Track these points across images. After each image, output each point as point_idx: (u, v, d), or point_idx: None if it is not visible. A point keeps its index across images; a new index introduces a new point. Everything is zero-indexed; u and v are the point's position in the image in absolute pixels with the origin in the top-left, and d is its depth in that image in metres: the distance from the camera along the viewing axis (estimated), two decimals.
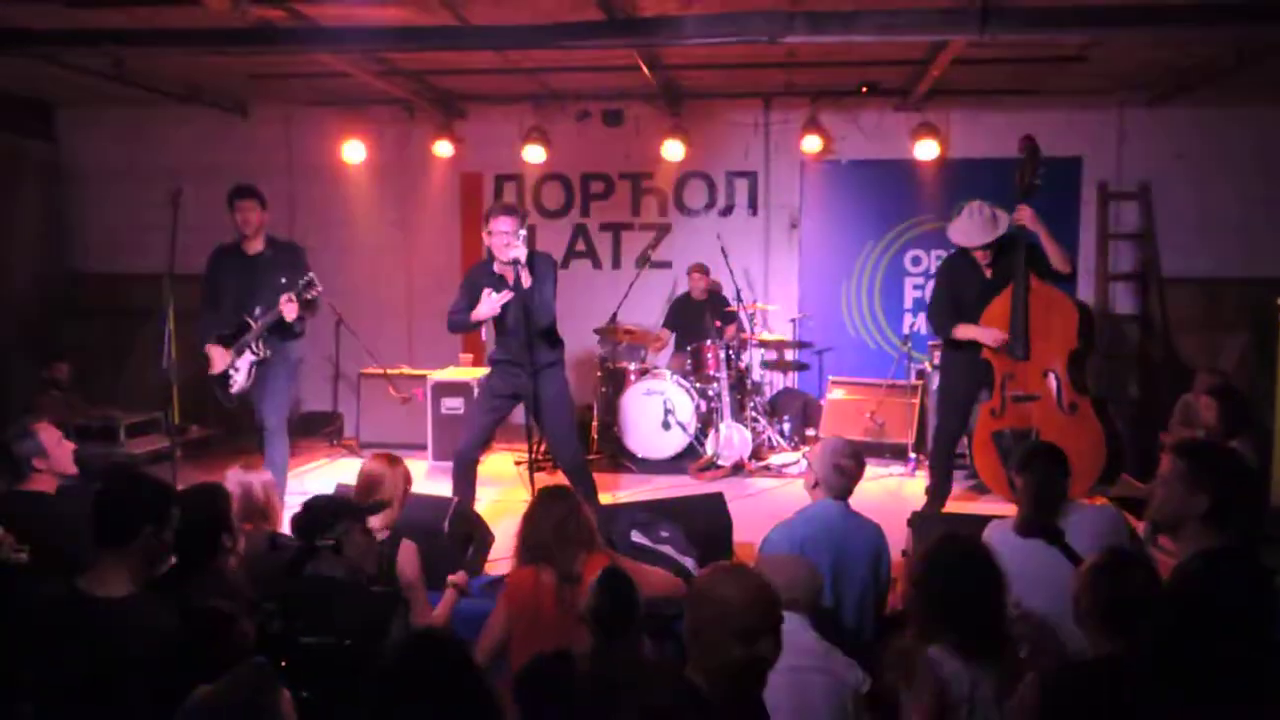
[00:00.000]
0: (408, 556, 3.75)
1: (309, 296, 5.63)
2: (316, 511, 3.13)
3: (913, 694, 2.73)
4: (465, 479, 5.35)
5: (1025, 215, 5.26)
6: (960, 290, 5.58)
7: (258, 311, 5.62)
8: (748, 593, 2.28)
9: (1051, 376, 5.23)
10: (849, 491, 3.83)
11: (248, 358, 5.68)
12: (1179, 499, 2.78)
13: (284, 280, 5.63)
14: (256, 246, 5.75)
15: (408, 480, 4.12)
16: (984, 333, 5.39)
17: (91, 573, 2.81)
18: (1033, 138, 5.40)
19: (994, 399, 5.40)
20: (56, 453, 3.94)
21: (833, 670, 2.93)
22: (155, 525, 2.88)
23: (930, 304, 5.87)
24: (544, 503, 3.66)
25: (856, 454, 3.86)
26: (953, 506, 5.79)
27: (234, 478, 3.88)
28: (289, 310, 5.53)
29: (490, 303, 5.18)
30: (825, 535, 3.65)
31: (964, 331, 5.48)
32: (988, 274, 5.51)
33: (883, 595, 3.80)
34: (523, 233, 5.15)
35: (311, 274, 5.67)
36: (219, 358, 5.64)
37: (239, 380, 5.67)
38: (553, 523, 3.53)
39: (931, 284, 8.24)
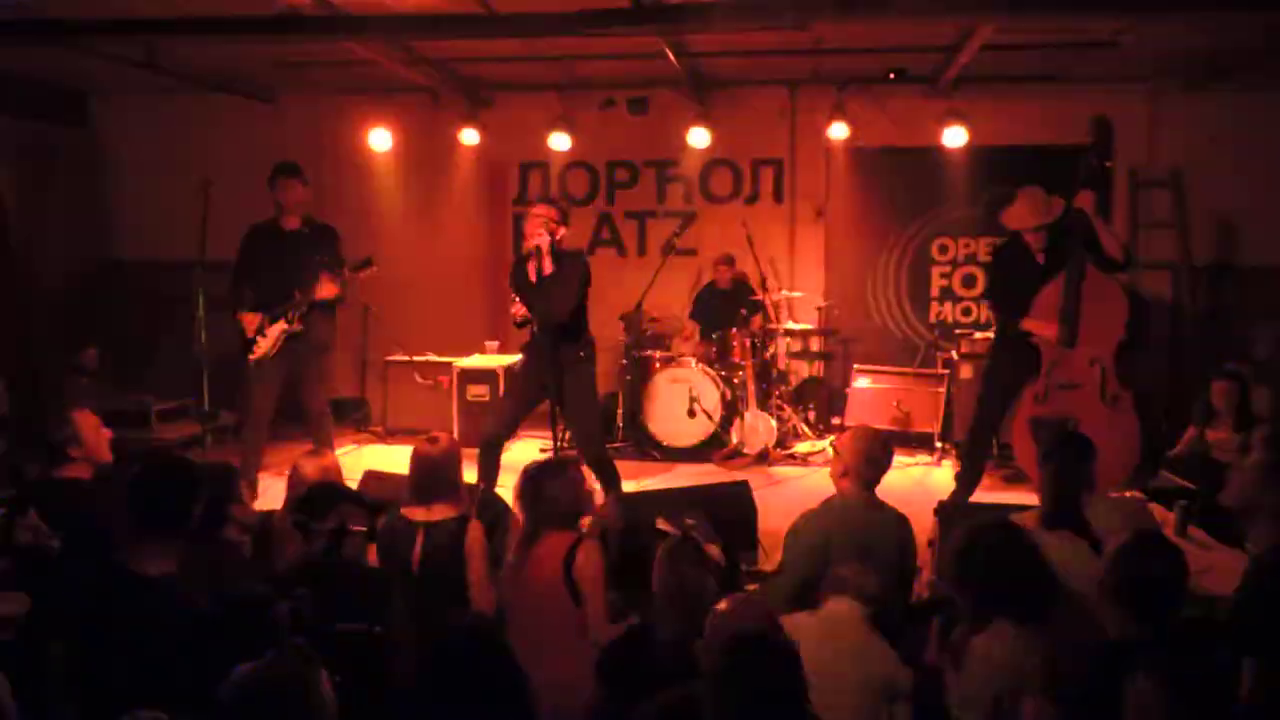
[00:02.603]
0: (476, 538, 3.79)
1: (364, 275, 5.95)
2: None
3: (962, 677, 2.75)
4: (489, 465, 5.37)
5: (1087, 201, 5.16)
6: (1015, 276, 5.48)
7: (302, 286, 5.85)
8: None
9: (1098, 366, 5.17)
10: (877, 481, 3.82)
11: (279, 327, 5.82)
12: (1253, 490, 2.77)
13: (320, 258, 5.86)
14: (294, 224, 5.96)
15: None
16: (1049, 329, 5.27)
17: (135, 550, 2.84)
18: (1104, 118, 5.28)
19: (1039, 384, 5.34)
20: (93, 440, 3.96)
21: (868, 666, 2.90)
22: (198, 504, 2.95)
23: (990, 295, 5.77)
24: (541, 469, 3.72)
25: (886, 443, 3.85)
26: (981, 496, 5.73)
27: (313, 465, 3.92)
28: (325, 289, 5.81)
29: (516, 308, 5.29)
30: (851, 524, 3.64)
31: (1031, 326, 5.35)
32: (1040, 259, 5.42)
33: (908, 584, 3.79)
34: (554, 225, 5.19)
35: (369, 256, 6.03)
36: (251, 323, 5.86)
37: (263, 346, 5.81)
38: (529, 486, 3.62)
39: (959, 272, 8.28)
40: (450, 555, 3.67)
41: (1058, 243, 5.31)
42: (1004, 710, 2.68)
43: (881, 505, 3.80)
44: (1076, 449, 3.59)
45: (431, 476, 3.87)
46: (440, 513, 3.76)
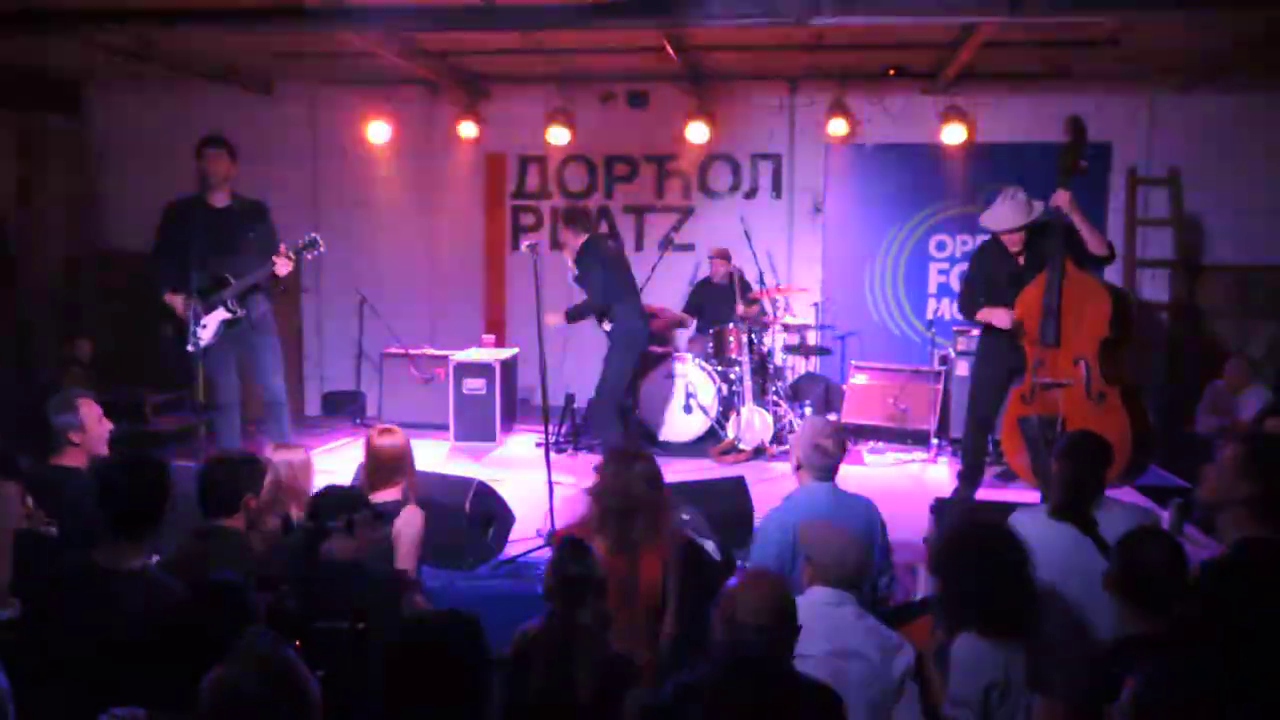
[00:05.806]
0: (409, 522, 3.76)
1: (310, 256, 5.64)
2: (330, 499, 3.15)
3: (948, 683, 2.74)
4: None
5: (1063, 199, 5.17)
6: (992, 276, 5.53)
7: (235, 268, 5.54)
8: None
9: (1082, 364, 5.17)
10: (833, 471, 3.79)
11: (219, 314, 5.56)
12: (1227, 483, 2.78)
13: (253, 235, 5.59)
14: (222, 200, 5.64)
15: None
16: (997, 314, 5.35)
17: (107, 547, 2.81)
18: (1079, 118, 5.29)
19: (1024, 384, 5.35)
20: (95, 430, 3.94)
21: (870, 655, 2.87)
22: (169, 501, 2.91)
23: (960, 289, 5.83)
24: (621, 461, 3.53)
25: (837, 433, 3.84)
26: (979, 494, 5.74)
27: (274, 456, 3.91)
28: (283, 266, 5.51)
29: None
30: (816, 514, 3.59)
31: (983, 314, 5.46)
32: (1019, 261, 5.44)
33: (882, 566, 3.75)
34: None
35: (314, 234, 5.69)
36: (180, 307, 5.50)
37: (204, 336, 5.46)
38: (625, 483, 3.44)
39: (956, 269, 8.27)
40: (383, 545, 3.62)
41: (1038, 242, 5.33)
42: (994, 708, 2.67)
43: (844, 494, 3.78)
44: (1096, 451, 3.53)
45: (379, 467, 3.89)
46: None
